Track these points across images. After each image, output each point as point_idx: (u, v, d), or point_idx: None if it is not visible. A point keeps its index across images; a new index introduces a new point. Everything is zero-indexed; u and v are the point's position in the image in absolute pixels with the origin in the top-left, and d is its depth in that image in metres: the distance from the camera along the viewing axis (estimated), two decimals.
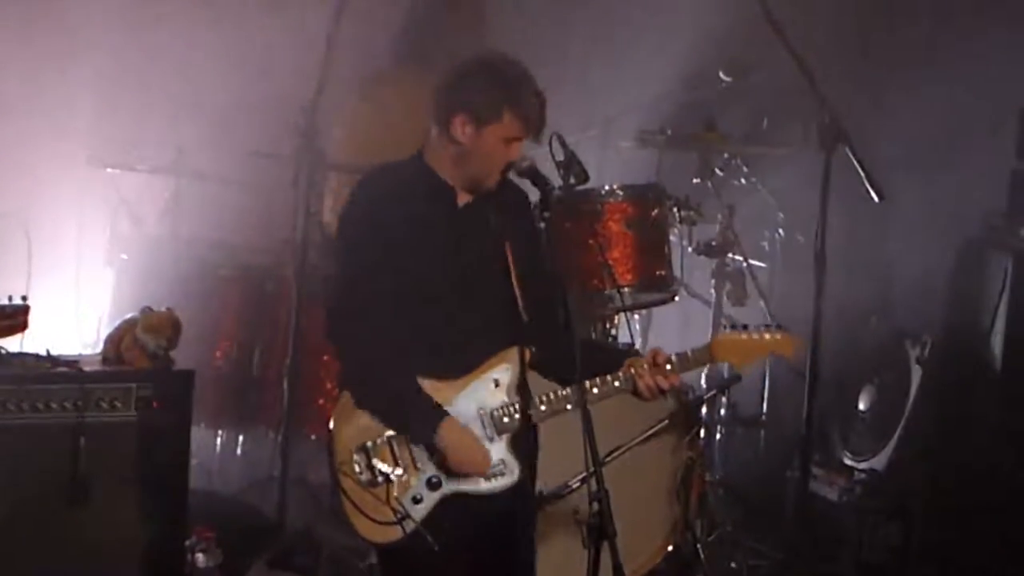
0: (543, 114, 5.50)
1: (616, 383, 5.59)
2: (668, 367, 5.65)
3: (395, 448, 5.43)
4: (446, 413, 5.43)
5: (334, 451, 5.43)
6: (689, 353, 5.74)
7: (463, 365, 5.49)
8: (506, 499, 5.51)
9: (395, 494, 5.41)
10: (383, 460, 5.42)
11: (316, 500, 7.69)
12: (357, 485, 5.40)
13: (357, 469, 5.42)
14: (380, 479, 5.41)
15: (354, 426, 5.44)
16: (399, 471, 5.43)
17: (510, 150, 5.47)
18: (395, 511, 5.39)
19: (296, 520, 7.56)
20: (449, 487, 5.46)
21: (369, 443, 5.42)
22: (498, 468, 5.50)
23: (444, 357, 5.47)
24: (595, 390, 5.56)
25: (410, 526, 5.40)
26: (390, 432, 5.43)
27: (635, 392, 5.60)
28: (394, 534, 5.41)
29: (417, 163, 5.59)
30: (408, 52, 8.77)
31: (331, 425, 5.45)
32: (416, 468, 5.45)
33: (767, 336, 5.79)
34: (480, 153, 5.47)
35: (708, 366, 7.58)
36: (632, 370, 5.59)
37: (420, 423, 5.42)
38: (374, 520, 5.40)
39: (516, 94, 5.45)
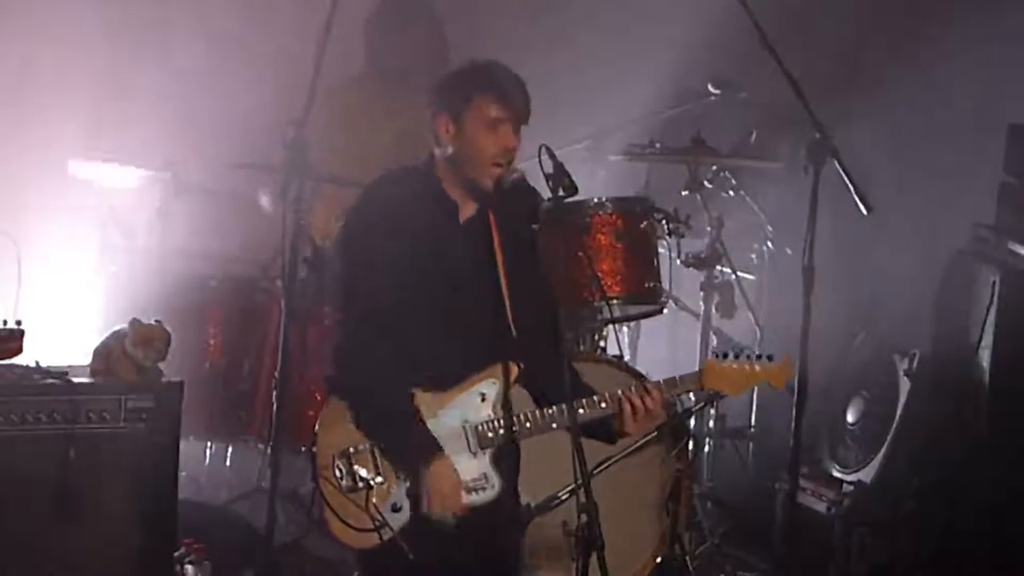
0: (522, 93, 5.49)
1: (603, 404, 5.59)
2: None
3: (376, 455, 5.45)
4: (440, 450, 5.43)
5: (316, 455, 5.45)
6: (678, 378, 5.77)
7: (451, 377, 5.51)
8: (486, 513, 5.52)
9: (374, 501, 5.43)
10: (364, 466, 5.44)
11: (306, 513, 7.68)
12: (337, 490, 5.42)
13: (338, 474, 5.44)
14: (360, 485, 5.43)
15: (337, 431, 5.46)
16: (379, 479, 5.44)
17: (497, 135, 5.46)
18: (373, 518, 5.40)
19: (285, 533, 7.56)
20: None
21: (351, 449, 5.45)
22: (479, 482, 5.51)
23: (433, 369, 5.48)
24: (581, 411, 5.56)
25: (387, 534, 5.41)
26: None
27: (619, 415, 5.60)
28: (372, 540, 5.43)
29: (424, 174, 5.60)
30: (392, 64, 8.76)
31: (316, 427, 5.47)
32: (396, 476, 5.46)
33: (757, 367, 5.82)
34: (467, 146, 5.47)
35: None
36: (620, 391, 5.59)
37: (414, 454, 5.43)
38: (352, 526, 5.41)
39: (482, 75, 5.48)
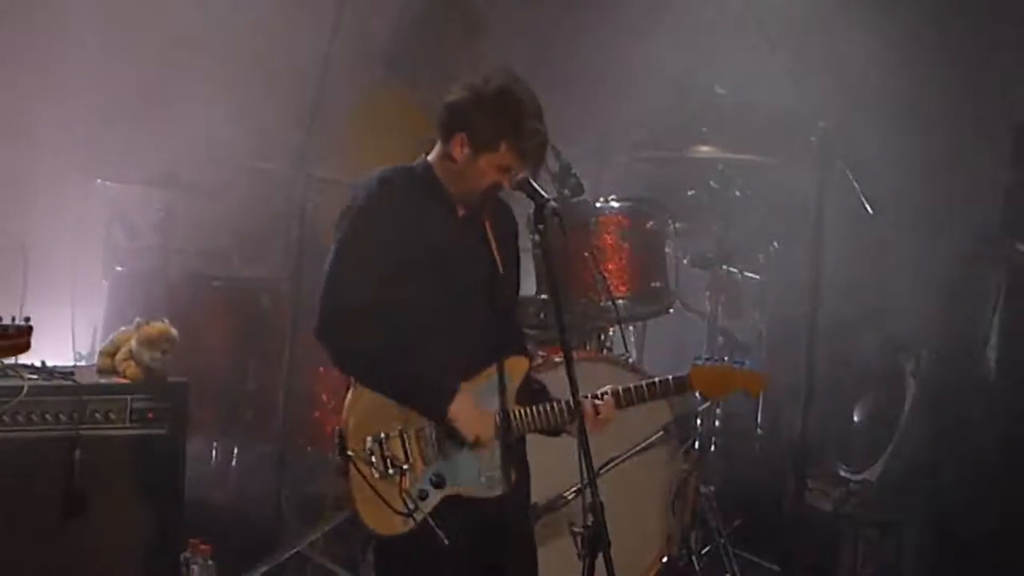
0: (542, 151, 5.54)
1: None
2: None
3: (406, 442, 5.48)
4: (455, 389, 5.49)
5: (347, 441, 5.45)
6: (671, 379, 5.82)
7: (461, 373, 5.53)
8: (502, 505, 5.56)
9: (405, 486, 5.45)
10: (395, 452, 5.46)
11: (312, 513, 7.69)
12: (370, 475, 5.44)
13: (373, 460, 5.45)
14: (392, 471, 5.44)
15: (367, 417, 5.48)
16: (407, 465, 5.46)
17: (502, 178, 5.51)
18: (406, 503, 5.43)
19: (291, 533, 7.56)
20: (451, 488, 5.51)
21: (383, 434, 5.46)
22: (495, 475, 5.53)
23: (440, 365, 5.50)
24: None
25: (420, 518, 5.43)
26: (401, 425, 5.47)
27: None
28: (403, 526, 5.45)
29: (424, 170, 5.63)
30: (403, 68, 8.75)
31: (344, 415, 5.47)
32: (424, 464, 5.49)
33: (737, 373, 5.90)
34: (472, 175, 5.52)
35: None
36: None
37: (431, 403, 5.50)
38: (391, 508, 5.42)
39: (518, 128, 5.46)
